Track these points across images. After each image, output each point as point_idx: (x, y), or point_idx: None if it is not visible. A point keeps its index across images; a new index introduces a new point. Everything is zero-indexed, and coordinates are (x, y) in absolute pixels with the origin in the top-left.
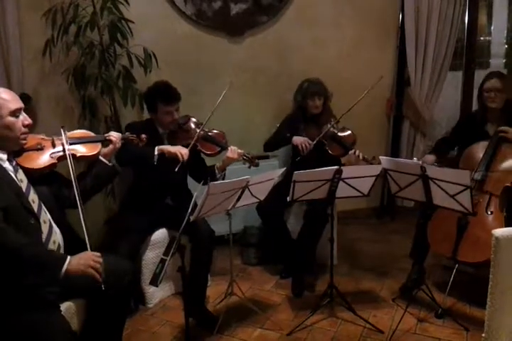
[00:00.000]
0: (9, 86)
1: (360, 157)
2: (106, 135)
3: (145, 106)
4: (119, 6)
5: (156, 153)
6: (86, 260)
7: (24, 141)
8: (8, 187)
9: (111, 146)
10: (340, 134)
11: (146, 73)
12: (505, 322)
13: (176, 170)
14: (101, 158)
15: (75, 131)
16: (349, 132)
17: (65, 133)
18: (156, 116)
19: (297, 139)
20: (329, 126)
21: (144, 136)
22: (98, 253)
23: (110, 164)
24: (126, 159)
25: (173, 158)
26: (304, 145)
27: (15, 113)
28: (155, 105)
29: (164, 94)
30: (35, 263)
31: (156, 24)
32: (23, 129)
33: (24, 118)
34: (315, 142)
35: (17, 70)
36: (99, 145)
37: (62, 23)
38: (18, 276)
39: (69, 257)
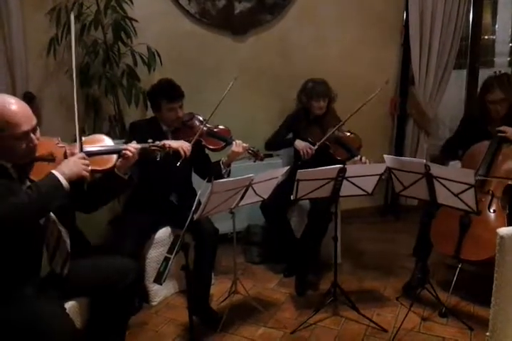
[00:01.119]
0: (13, 84)
1: (367, 164)
2: (123, 147)
3: (149, 105)
4: (123, 4)
5: None
6: (78, 164)
7: (31, 156)
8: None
9: (126, 161)
10: (345, 138)
11: (150, 72)
12: (510, 321)
13: (178, 164)
14: (116, 170)
15: (92, 137)
16: (354, 136)
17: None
18: (160, 113)
19: (299, 144)
20: (333, 129)
21: (167, 145)
22: (82, 154)
23: (126, 177)
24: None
25: (176, 153)
26: (305, 150)
27: (19, 136)
28: (159, 102)
29: (168, 91)
30: (40, 197)
31: (160, 23)
32: (26, 150)
33: (30, 140)
34: (316, 147)
35: (21, 69)
36: (115, 157)
37: (66, 22)
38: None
39: (55, 172)
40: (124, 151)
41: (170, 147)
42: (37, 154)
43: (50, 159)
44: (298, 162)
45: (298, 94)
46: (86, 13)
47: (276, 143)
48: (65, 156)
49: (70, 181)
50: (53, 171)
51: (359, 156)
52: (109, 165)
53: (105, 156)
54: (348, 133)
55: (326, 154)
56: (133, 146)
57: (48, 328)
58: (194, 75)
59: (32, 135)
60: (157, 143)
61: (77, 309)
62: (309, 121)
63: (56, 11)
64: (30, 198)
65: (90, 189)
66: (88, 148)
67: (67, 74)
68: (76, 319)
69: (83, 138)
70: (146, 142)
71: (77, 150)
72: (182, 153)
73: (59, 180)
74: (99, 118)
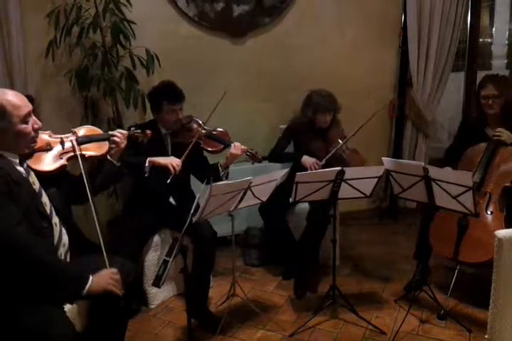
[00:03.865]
0: (12, 87)
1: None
2: (111, 133)
3: (148, 107)
4: (122, 7)
5: (146, 164)
6: (106, 278)
7: (34, 144)
8: (24, 190)
9: (116, 147)
10: (348, 158)
11: (149, 74)
12: (509, 323)
13: (168, 181)
14: (108, 157)
15: (82, 128)
16: (357, 154)
17: (74, 136)
18: (159, 115)
19: (306, 161)
20: (337, 147)
21: (149, 131)
22: (115, 270)
23: (118, 164)
24: None
25: (165, 170)
26: (313, 167)
27: (25, 119)
28: (160, 104)
29: (169, 93)
30: (61, 278)
31: (159, 25)
32: (33, 134)
33: (34, 121)
34: (324, 162)
35: (20, 72)
36: (107, 144)
37: (65, 25)
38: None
39: (91, 277)
40: (113, 138)
41: (159, 164)
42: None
43: (48, 149)
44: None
45: (302, 106)
46: (84, 16)
47: (280, 157)
48: (62, 145)
49: (91, 292)
50: (90, 277)
51: None
52: (104, 150)
53: (99, 143)
54: (352, 154)
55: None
56: (120, 131)
57: (50, 331)
58: (193, 78)
59: (33, 116)
60: (138, 130)
61: (77, 311)
62: (313, 133)
63: (55, 14)
64: (55, 273)
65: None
66: (82, 137)
67: (66, 76)
68: (75, 321)
69: (75, 129)
70: (131, 130)
71: (73, 137)
72: (171, 169)
73: (85, 283)
74: (98, 121)
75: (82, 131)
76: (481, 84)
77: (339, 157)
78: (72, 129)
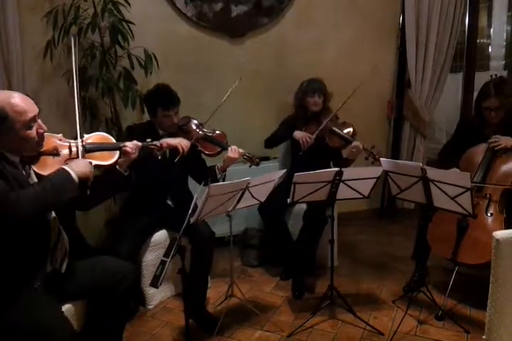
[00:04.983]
0: (10, 87)
1: (360, 147)
2: (122, 145)
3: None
4: (120, 7)
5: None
6: (85, 164)
7: (40, 147)
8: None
9: (126, 158)
10: (338, 126)
11: (147, 75)
12: (506, 324)
13: (176, 160)
14: (117, 166)
15: (94, 135)
16: (349, 127)
17: (82, 144)
18: (155, 119)
19: (298, 134)
20: (327, 119)
21: (165, 145)
22: (88, 160)
23: (126, 174)
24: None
25: (174, 150)
26: (304, 139)
27: (29, 124)
28: (154, 109)
29: (163, 99)
30: (55, 189)
31: (157, 25)
32: (37, 138)
33: (38, 126)
34: (315, 136)
35: (18, 72)
36: (117, 153)
37: (63, 25)
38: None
39: (66, 167)
40: (124, 148)
41: (168, 144)
42: (43, 149)
43: (55, 153)
44: (298, 153)
45: (295, 93)
46: (83, 16)
47: (275, 137)
48: (70, 151)
49: (80, 178)
50: (64, 166)
51: (353, 143)
52: (112, 160)
53: (108, 152)
54: (343, 126)
55: (323, 145)
56: (132, 143)
57: (49, 331)
58: (191, 78)
59: (39, 120)
60: (155, 142)
61: (74, 311)
62: (306, 118)
63: (53, 14)
64: (45, 188)
65: (91, 185)
66: (90, 144)
67: (64, 77)
68: (72, 322)
69: (87, 135)
70: (145, 141)
71: (82, 144)
72: (180, 149)
73: (70, 174)
74: (96, 121)
75: (92, 138)
76: (482, 94)
77: (331, 129)
78: (84, 135)
